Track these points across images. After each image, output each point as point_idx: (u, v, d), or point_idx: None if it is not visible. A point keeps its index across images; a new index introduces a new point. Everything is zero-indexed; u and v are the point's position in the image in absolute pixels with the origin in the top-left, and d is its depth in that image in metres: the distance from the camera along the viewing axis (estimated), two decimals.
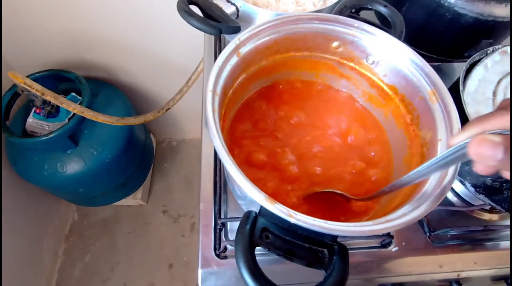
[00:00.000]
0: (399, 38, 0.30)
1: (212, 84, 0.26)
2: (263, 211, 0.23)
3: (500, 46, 0.39)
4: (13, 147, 0.73)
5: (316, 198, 0.30)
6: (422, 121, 0.30)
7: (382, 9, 0.36)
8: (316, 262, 0.22)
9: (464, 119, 0.32)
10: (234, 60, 0.29)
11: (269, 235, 0.22)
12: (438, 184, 0.25)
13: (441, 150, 0.27)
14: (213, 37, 0.54)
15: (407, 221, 0.23)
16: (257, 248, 0.22)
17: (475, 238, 0.41)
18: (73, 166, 0.72)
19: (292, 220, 0.21)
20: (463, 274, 0.39)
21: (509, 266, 0.39)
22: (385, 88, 0.34)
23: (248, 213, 0.23)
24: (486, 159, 0.15)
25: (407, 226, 0.23)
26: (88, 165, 0.73)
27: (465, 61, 0.38)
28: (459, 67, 0.56)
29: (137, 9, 0.70)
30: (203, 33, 0.51)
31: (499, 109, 0.17)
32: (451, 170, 0.25)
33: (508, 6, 0.39)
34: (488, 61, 0.38)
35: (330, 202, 0.31)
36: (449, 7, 0.39)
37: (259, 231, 0.22)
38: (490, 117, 0.16)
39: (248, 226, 0.22)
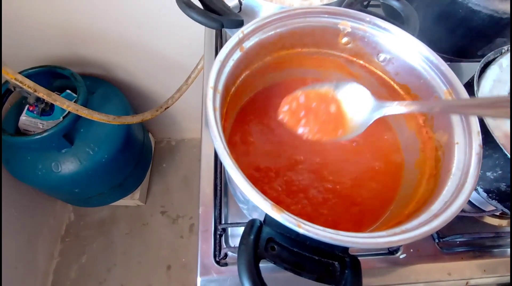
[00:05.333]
0: (412, 34, 0.29)
1: (213, 81, 0.24)
2: (268, 220, 0.21)
3: None
4: (6, 145, 0.71)
5: None
6: (437, 123, 0.29)
7: (395, 3, 0.34)
8: (326, 276, 0.20)
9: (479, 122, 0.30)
10: (237, 55, 0.27)
11: (275, 246, 0.21)
12: (457, 191, 0.23)
13: (459, 154, 0.25)
14: (213, 33, 0.52)
15: (426, 231, 0.21)
16: None
17: (484, 245, 0.40)
18: (68, 166, 0.70)
19: (301, 231, 0.19)
20: (472, 282, 0.38)
21: None
22: (396, 87, 0.32)
23: (252, 222, 0.21)
24: None
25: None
26: (84, 165, 0.71)
27: (475, 61, 0.36)
28: (467, 68, 0.54)
29: (135, 2, 0.67)
30: (203, 29, 0.50)
31: None
32: (471, 177, 0.23)
33: None
34: (503, 61, 0.36)
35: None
36: (462, 3, 0.37)
37: (264, 242, 0.21)
38: None
39: (252, 237, 0.20)
